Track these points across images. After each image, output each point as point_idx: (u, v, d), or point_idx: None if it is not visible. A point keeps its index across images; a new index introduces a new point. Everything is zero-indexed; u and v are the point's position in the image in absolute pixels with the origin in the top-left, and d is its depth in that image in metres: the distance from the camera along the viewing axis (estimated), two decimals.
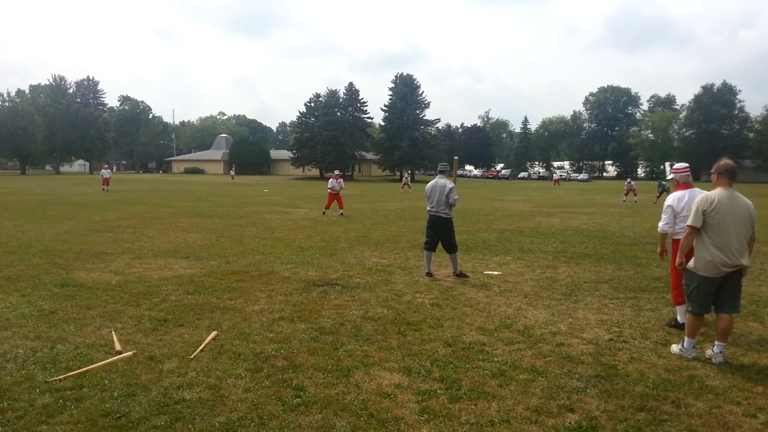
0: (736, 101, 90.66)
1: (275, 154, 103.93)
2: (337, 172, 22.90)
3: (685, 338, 5.43)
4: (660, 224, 6.40)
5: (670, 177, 6.82)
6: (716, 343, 5.31)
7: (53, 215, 18.74)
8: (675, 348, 5.52)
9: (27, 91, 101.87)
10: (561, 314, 6.87)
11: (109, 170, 38.53)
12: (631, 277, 9.30)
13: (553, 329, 6.23)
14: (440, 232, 9.13)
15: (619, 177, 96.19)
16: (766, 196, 36.87)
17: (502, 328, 6.23)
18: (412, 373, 4.86)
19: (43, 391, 4.34)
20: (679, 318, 6.26)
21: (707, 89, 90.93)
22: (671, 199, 6.39)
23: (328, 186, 20.63)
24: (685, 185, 6.45)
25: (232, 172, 70.05)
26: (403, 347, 5.54)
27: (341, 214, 20.05)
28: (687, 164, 6.78)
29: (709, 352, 5.34)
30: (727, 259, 5.12)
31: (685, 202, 6.18)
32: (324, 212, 20.44)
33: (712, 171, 5.43)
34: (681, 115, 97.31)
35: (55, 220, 17.16)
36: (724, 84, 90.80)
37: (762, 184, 64.96)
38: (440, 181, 9.07)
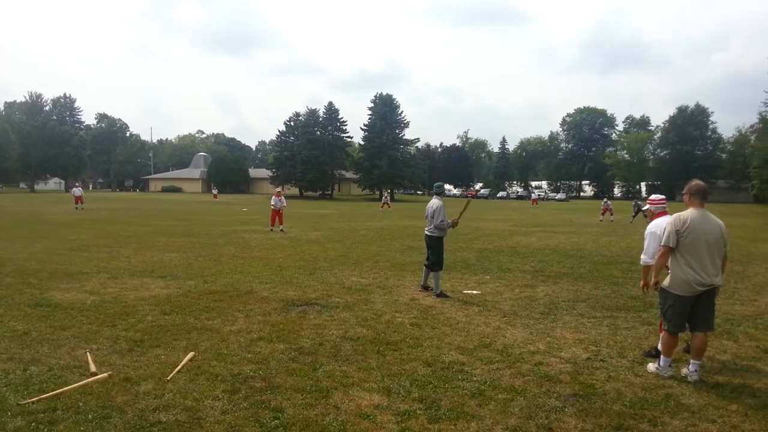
0: (709, 123, 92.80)
1: (254, 172, 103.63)
2: (278, 189, 23.85)
3: (661, 357, 5.50)
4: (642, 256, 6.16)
5: (646, 207, 6.82)
6: (691, 361, 5.38)
7: (27, 234, 18.42)
8: (651, 367, 5.58)
9: (2, 108, 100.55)
10: (539, 333, 6.92)
11: (80, 188, 38.16)
12: (608, 296, 9.40)
13: (532, 348, 6.27)
14: (429, 249, 9.41)
15: (596, 197, 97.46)
16: (739, 216, 37.65)
17: (481, 348, 6.25)
18: (391, 393, 4.85)
19: (15, 414, 4.25)
20: (659, 346, 5.98)
21: (682, 110, 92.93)
22: (654, 226, 6.11)
23: (271, 203, 21.85)
24: (662, 214, 6.29)
25: (215, 191, 69.36)
26: (383, 367, 5.52)
27: (281, 230, 21.09)
28: (663, 196, 6.67)
29: (684, 371, 5.42)
30: (700, 278, 5.21)
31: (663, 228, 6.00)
32: (271, 229, 21.36)
33: (684, 192, 5.54)
34: (656, 136, 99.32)
35: (29, 239, 16.87)
36: (698, 106, 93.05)
37: (735, 204, 66.34)
38: (432, 201, 9.46)
